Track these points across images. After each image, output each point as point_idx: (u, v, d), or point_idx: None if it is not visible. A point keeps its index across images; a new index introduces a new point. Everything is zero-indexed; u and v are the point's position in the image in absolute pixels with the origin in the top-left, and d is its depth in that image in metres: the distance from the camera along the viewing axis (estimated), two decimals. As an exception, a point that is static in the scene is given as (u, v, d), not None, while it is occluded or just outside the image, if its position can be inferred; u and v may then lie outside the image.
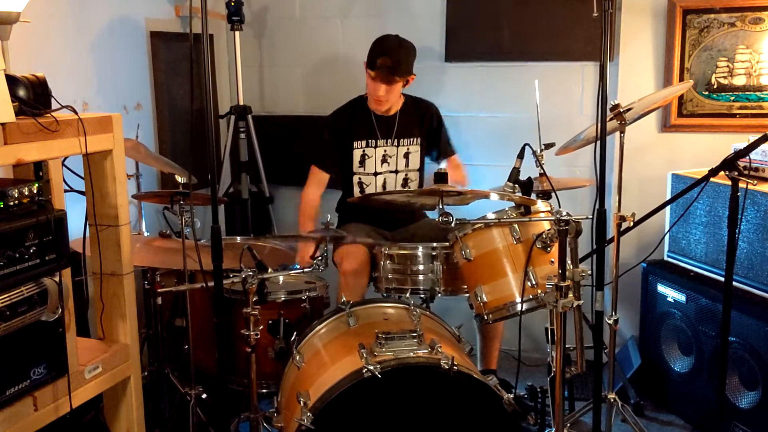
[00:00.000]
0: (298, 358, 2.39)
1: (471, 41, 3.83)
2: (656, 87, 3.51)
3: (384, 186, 3.39)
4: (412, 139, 3.40)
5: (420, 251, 2.85)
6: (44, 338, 1.98)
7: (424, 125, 3.44)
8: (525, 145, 2.69)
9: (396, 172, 3.40)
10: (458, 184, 3.23)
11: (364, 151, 3.34)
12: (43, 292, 1.93)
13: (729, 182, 2.39)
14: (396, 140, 3.36)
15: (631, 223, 2.61)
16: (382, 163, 3.37)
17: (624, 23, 3.52)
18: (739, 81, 3.40)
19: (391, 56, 3.14)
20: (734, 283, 2.55)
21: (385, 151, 3.36)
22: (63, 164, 2.13)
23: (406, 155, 3.41)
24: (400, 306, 2.56)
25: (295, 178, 4.16)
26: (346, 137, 3.33)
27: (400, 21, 3.86)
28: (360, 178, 3.36)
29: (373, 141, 3.34)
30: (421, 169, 3.47)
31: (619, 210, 2.66)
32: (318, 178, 3.37)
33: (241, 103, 3.89)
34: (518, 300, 2.44)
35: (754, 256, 2.82)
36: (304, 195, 3.38)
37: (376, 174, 3.38)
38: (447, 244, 2.75)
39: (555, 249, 2.31)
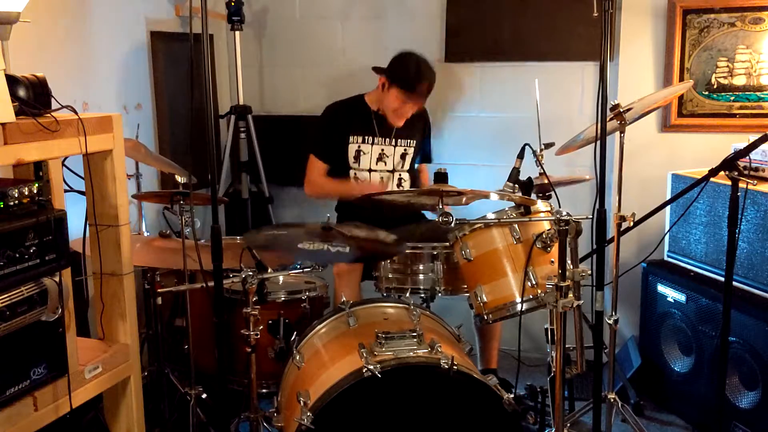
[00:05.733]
0: (298, 358, 2.39)
1: (471, 41, 3.83)
2: (656, 87, 3.51)
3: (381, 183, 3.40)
4: (409, 141, 3.42)
5: (420, 251, 2.85)
6: (44, 338, 1.98)
7: (421, 128, 3.46)
8: (525, 145, 2.69)
9: (393, 171, 3.41)
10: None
11: (359, 146, 3.34)
12: (43, 292, 1.93)
13: (729, 182, 2.38)
14: (395, 140, 3.38)
15: (631, 223, 2.61)
16: (377, 161, 3.37)
17: (624, 23, 3.52)
18: (739, 81, 3.40)
19: (429, 82, 3.24)
20: (734, 283, 2.55)
21: (382, 149, 3.37)
22: (63, 164, 2.13)
23: (403, 156, 3.42)
24: (400, 306, 2.56)
25: (295, 178, 4.15)
26: (342, 129, 3.34)
27: (399, 21, 3.87)
28: (356, 173, 3.37)
29: (370, 138, 3.35)
30: (411, 170, 3.48)
31: (619, 210, 2.66)
32: (317, 167, 3.37)
33: (241, 103, 3.89)
34: (518, 300, 2.44)
35: (754, 256, 2.82)
36: (312, 182, 3.37)
37: (370, 171, 3.38)
38: (447, 244, 2.75)
39: (555, 249, 2.31)
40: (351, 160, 3.35)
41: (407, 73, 3.22)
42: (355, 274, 3.08)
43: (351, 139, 3.34)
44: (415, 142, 3.44)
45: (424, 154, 3.59)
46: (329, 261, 2.77)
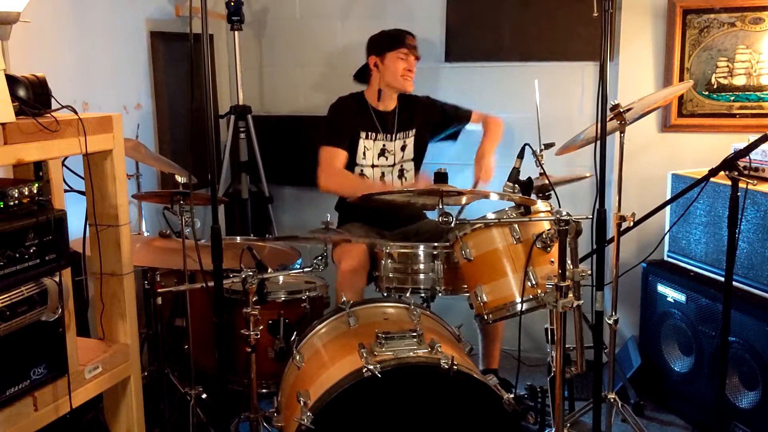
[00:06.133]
0: (298, 357, 2.39)
1: (471, 41, 3.84)
2: (656, 87, 3.51)
3: (382, 179, 3.40)
4: (408, 132, 3.43)
5: (421, 251, 2.85)
6: (44, 338, 1.98)
7: (421, 118, 3.46)
8: (525, 145, 2.69)
9: (393, 165, 3.41)
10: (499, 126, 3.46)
11: (364, 143, 3.35)
12: (43, 292, 1.93)
13: (729, 182, 2.38)
14: (396, 135, 3.39)
15: (631, 223, 2.61)
16: (379, 157, 3.38)
17: (624, 23, 3.52)
18: (739, 81, 3.40)
19: (408, 32, 3.36)
20: (734, 283, 2.55)
21: (383, 145, 3.37)
22: (63, 164, 2.13)
23: (403, 147, 3.43)
24: (401, 305, 2.56)
25: (295, 178, 4.18)
26: (353, 124, 3.34)
27: (399, 21, 3.85)
28: (362, 170, 3.37)
29: (374, 134, 3.36)
30: (417, 159, 3.48)
31: (619, 210, 2.66)
32: (337, 157, 3.25)
33: (241, 103, 3.89)
34: (518, 300, 2.44)
35: (754, 256, 2.82)
36: (333, 173, 3.22)
37: (373, 166, 3.38)
38: (447, 243, 2.75)
39: (555, 249, 2.31)
40: (360, 156, 3.35)
41: (387, 34, 3.36)
42: (358, 278, 3.06)
43: (361, 134, 3.34)
44: (413, 131, 3.44)
45: (458, 117, 3.52)
46: (331, 241, 2.78)
